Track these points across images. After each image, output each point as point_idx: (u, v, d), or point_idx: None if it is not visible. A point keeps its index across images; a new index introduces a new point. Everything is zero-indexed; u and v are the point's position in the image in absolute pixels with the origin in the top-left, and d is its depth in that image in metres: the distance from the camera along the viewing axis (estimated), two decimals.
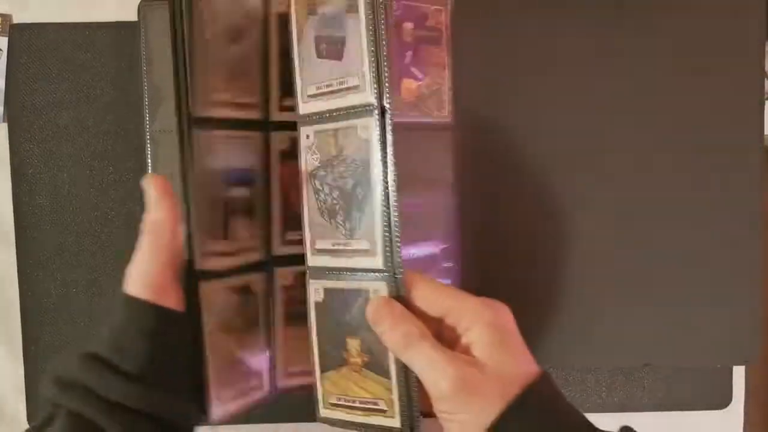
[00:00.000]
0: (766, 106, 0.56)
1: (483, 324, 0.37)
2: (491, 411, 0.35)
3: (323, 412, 0.43)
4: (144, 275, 0.39)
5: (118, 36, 0.55)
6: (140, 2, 0.53)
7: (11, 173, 0.56)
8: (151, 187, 0.40)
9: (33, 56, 0.55)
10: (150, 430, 0.38)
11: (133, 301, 0.38)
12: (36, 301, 0.56)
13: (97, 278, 0.56)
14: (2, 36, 0.55)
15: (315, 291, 0.43)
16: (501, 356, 0.37)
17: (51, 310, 0.56)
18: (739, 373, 0.58)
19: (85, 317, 0.56)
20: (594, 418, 0.58)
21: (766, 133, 0.56)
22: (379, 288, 0.39)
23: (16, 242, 0.56)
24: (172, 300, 0.39)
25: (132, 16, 0.54)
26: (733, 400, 0.58)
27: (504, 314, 0.39)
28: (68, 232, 0.56)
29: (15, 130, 0.56)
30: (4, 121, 0.56)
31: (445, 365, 0.36)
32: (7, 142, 0.56)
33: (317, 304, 0.43)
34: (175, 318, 0.39)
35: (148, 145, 0.54)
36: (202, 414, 0.42)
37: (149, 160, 0.54)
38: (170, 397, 0.39)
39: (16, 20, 0.56)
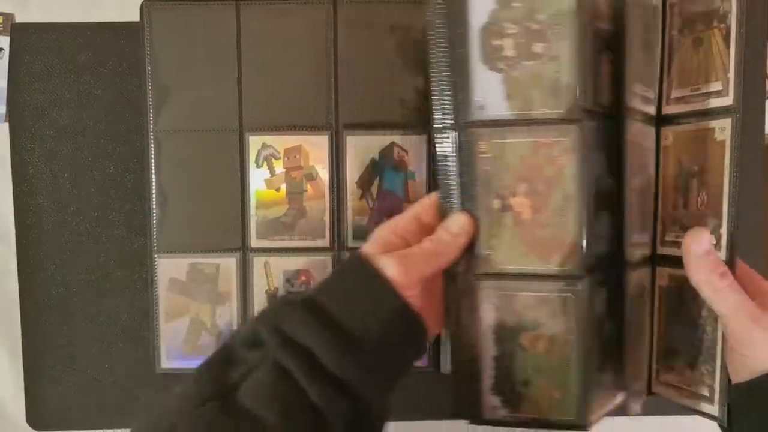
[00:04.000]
0: (766, 106, 0.56)
1: None
2: None
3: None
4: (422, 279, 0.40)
5: (119, 36, 0.55)
6: (143, 2, 0.54)
7: (12, 173, 0.56)
8: (466, 221, 0.42)
9: (34, 56, 0.56)
10: (349, 412, 0.37)
11: (401, 302, 0.39)
12: (36, 301, 0.56)
13: (97, 278, 0.56)
14: (4, 35, 0.55)
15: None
16: None
17: (51, 310, 0.56)
18: None
19: (85, 317, 0.56)
20: None
21: (766, 132, 0.56)
22: None
23: (17, 242, 0.56)
24: (417, 301, 0.41)
25: (133, 16, 0.54)
26: None
27: None
28: (68, 232, 0.56)
29: (16, 129, 0.56)
30: (5, 121, 0.56)
31: (727, 293, 0.40)
32: (8, 142, 0.56)
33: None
34: (423, 329, 0.41)
35: (152, 145, 0.54)
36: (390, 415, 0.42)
37: (152, 160, 0.54)
38: (385, 389, 0.39)
39: (17, 20, 0.56)
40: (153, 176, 0.54)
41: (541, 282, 0.41)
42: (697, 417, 0.45)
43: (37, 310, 0.56)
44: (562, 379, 0.42)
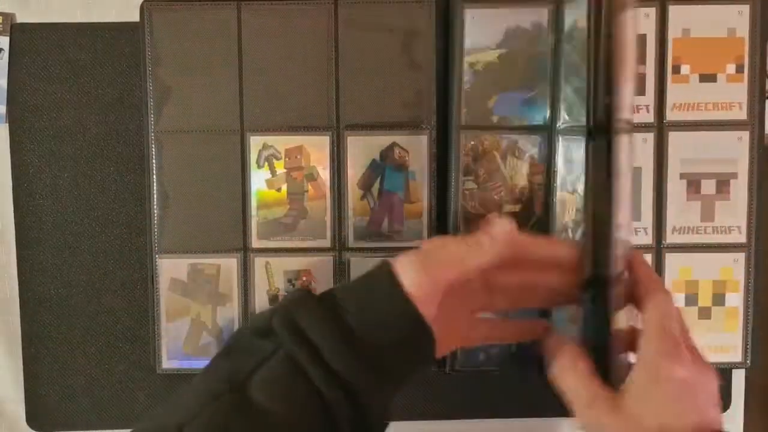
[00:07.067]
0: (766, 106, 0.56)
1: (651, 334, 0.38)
2: None
3: None
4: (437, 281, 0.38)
5: (119, 36, 0.55)
6: (143, 2, 0.53)
7: (12, 173, 0.56)
8: (509, 227, 0.40)
9: (34, 56, 0.55)
10: (349, 414, 0.37)
11: (408, 304, 0.37)
12: (36, 301, 0.56)
13: (97, 278, 0.56)
14: (4, 35, 0.55)
15: None
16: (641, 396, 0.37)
17: (51, 310, 0.56)
18: (738, 376, 0.58)
19: (85, 317, 0.56)
20: None
21: (766, 132, 0.56)
22: None
23: (16, 242, 0.56)
24: (432, 310, 0.38)
25: (133, 16, 0.54)
26: (732, 403, 0.58)
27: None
28: (68, 232, 0.56)
29: (16, 130, 0.56)
30: (5, 122, 0.56)
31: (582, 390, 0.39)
32: (8, 142, 0.56)
33: None
34: (432, 342, 0.39)
35: (152, 146, 0.54)
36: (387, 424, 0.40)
37: (153, 160, 0.54)
38: (384, 395, 0.39)
39: (17, 20, 0.56)
40: (153, 177, 0.54)
41: None
42: None
43: (36, 310, 0.56)
44: None
